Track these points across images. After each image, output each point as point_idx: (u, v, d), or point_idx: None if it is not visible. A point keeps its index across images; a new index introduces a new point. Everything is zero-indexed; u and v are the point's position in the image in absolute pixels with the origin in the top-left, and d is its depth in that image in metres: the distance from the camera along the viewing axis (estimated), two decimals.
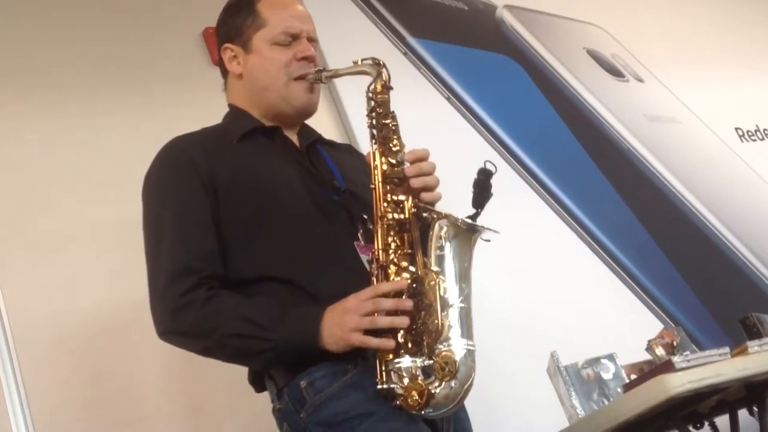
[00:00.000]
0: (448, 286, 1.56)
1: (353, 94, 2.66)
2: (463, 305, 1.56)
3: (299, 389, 1.58)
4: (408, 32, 3.23)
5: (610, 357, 2.23)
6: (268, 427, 1.69)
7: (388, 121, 1.70)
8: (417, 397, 1.50)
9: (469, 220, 1.59)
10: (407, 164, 1.66)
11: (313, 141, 1.86)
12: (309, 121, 1.89)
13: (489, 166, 1.60)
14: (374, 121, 1.71)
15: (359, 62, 1.77)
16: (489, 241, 1.60)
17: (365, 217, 1.69)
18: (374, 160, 1.67)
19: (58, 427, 2.18)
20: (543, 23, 3.61)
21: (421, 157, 1.67)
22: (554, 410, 2.19)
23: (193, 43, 2.83)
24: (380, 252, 1.60)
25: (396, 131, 1.69)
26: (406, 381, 1.52)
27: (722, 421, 2.11)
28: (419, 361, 1.53)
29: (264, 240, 1.66)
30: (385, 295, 1.55)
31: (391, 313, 1.54)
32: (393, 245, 1.61)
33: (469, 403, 1.60)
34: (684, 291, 3.22)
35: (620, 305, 3.09)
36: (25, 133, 2.47)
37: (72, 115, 2.55)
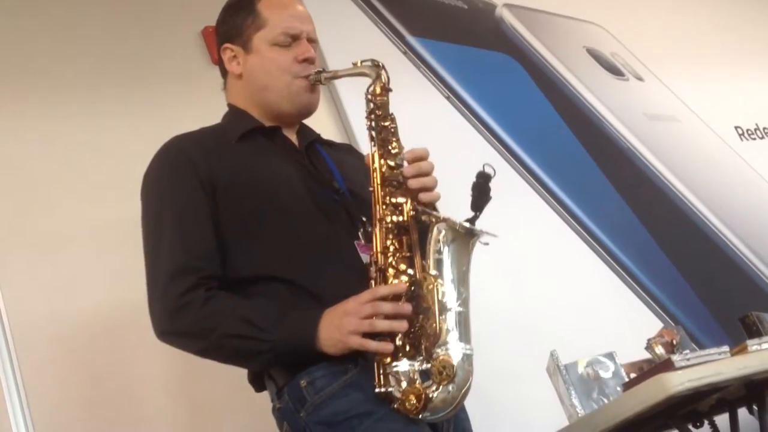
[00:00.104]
0: (447, 289, 1.56)
1: (353, 93, 2.66)
2: (461, 309, 1.56)
3: (299, 388, 1.58)
4: (407, 31, 3.23)
5: (610, 356, 2.23)
6: (268, 427, 1.69)
7: (387, 124, 1.70)
8: (414, 401, 1.50)
9: (468, 224, 1.58)
10: (406, 164, 1.66)
11: (312, 141, 1.86)
12: (309, 121, 1.89)
13: (488, 170, 1.60)
14: (373, 123, 1.71)
15: (358, 64, 1.77)
16: (487, 244, 1.60)
17: (364, 219, 1.69)
18: (373, 162, 1.67)
19: (58, 427, 2.18)
20: (542, 22, 3.61)
21: (420, 157, 1.67)
22: (554, 409, 2.19)
23: (193, 42, 2.83)
24: (379, 255, 1.60)
25: (395, 133, 1.70)
26: (403, 385, 1.52)
27: (722, 419, 2.11)
28: (417, 365, 1.53)
29: (264, 239, 1.66)
30: (384, 299, 1.55)
31: (390, 317, 1.54)
32: (392, 248, 1.61)
33: (468, 403, 1.60)
34: (684, 290, 3.22)
35: (620, 304, 3.09)
36: (25, 133, 2.47)
37: (72, 115, 2.55)
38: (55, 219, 2.38)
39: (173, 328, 1.62)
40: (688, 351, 1.97)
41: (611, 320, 2.96)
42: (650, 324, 2.84)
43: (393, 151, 1.68)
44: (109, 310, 2.34)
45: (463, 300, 1.57)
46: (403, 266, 1.59)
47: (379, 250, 1.61)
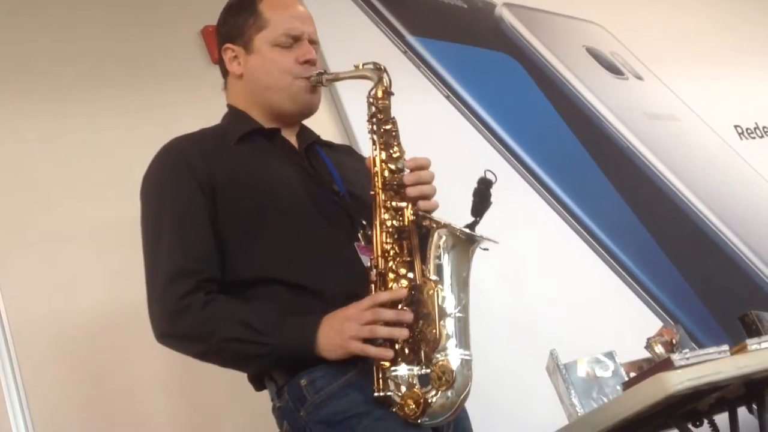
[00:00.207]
0: (447, 295, 1.56)
1: (353, 94, 2.67)
2: (460, 315, 1.56)
3: (299, 388, 1.58)
4: (407, 30, 3.23)
5: (610, 355, 2.23)
6: (268, 426, 1.69)
7: (388, 127, 1.70)
8: (413, 406, 1.51)
9: (468, 230, 1.59)
10: (407, 171, 1.66)
11: (312, 142, 1.86)
12: (309, 122, 1.89)
13: (489, 176, 1.60)
14: (375, 127, 1.71)
15: (360, 66, 1.76)
16: (487, 249, 1.61)
17: (365, 222, 1.69)
18: (374, 166, 1.67)
19: (58, 427, 2.18)
20: (542, 21, 3.61)
21: (421, 165, 1.67)
22: (554, 408, 2.19)
23: (192, 41, 2.83)
24: (379, 258, 1.60)
25: (396, 137, 1.69)
26: (402, 389, 1.52)
27: (721, 419, 2.11)
28: (416, 370, 1.54)
29: (263, 241, 1.66)
30: (383, 305, 1.55)
31: (390, 323, 1.54)
32: (392, 252, 1.61)
33: (468, 402, 1.60)
34: (683, 289, 3.22)
35: (619, 303, 3.09)
36: (25, 133, 2.48)
37: (71, 115, 2.56)
38: (55, 219, 2.39)
39: (172, 331, 1.62)
40: (687, 350, 1.97)
41: (611, 319, 2.96)
42: (650, 323, 2.84)
43: (394, 155, 1.68)
44: (109, 310, 2.34)
45: (463, 306, 1.57)
46: (403, 270, 1.60)
47: (379, 253, 1.61)
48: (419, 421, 1.52)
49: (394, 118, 1.71)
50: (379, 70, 1.74)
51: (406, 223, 1.63)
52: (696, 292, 3.23)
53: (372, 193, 1.66)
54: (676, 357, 1.82)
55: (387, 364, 1.54)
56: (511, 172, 3.15)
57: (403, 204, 1.64)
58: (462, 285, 1.59)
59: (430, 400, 1.52)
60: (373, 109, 1.72)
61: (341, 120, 2.91)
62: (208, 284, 1.63)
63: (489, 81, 3.32)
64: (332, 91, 2.87)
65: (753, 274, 3.41)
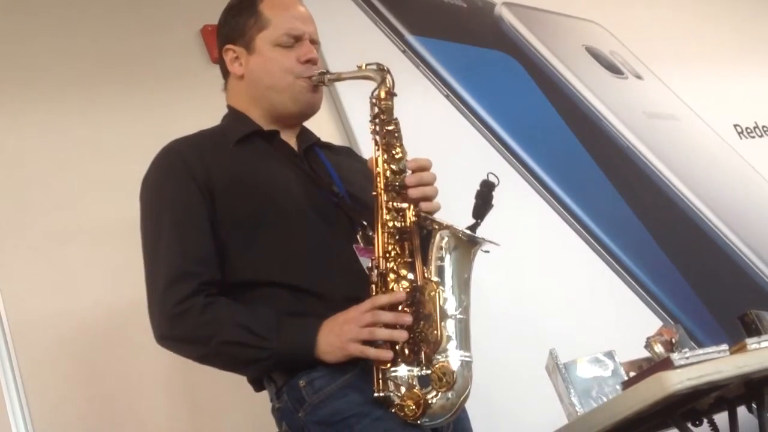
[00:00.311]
0: (448, 296, 1.57)
1: (354, 95, 2.67)
2: (461, 317, 1.56)
3: (298, 389, 1.59)
4: (407, 30, 3.23)
5: (609, 354, 2.23)
6: (267, 427, 1.70)
7: (391, 128, 1.69)
8: (414, 407, 1.51)
9: (470, 232, 1.59)
10: (409, 172, 1.66)
11: (311, 144, 1.86)
12: (309, 123, 1.89)
13: (492, 178, 1.60)
14: (377, 128, 1.70)
15: (363, 67, 1.75)
16: (488, 252, 1.61)
17: (365, 223, 1.69)
18: (376, 166, 1.67)
19: (58, 426, 2.18)
20: (541, 20, 3.61)
21: (423, 167, 1.67)
22: (553, 408, 2.19)
23: (192, 40, 2.83)
24: (380, 259, 1.60)
25: (399, 138, 1.69)
26: (402, 390, 1.53)
27: (721, 418, 2.11)
28: (416, 371, 1.54)
29: (262, 243, 1.66)
30: (383, 307, 1.55)
31: (389, 326, 1.54)
32: (393, 253, 1.61)
33: (468, 401, 1.60)
34: (682, 288, 3.22)
35: (619, 302, 3.09)
36: (24, 131, 2.47)
37: (71, 113, 2.56)
38: (55, 219, 2.38)
39: (172, 334, 1.63)
40: (687, 349, 1.97)
41: (610, 319, 2.96)
42: (649, 322, 2.84)
43: (396, 156, 1.68)
44: (109, 310, 2.34)
45: (464, 308, 1.57)
46: (404, 272, 1.60)
47: (380, 254, 1.61)
48: (419, 422, 1.52)
49: (396, 119, 1.71)
50: (382, 70, 1.73)
51: (407, 224, 1.63)
52: (695, 291, 3.23)
53: (374, 193, 1.66)
54: (675, 356, 1.82)
55: (387, 365, 1.54)
56: (511, 171, 3.15)
57: (405, 205, 1.64)
58: (463, 286, 1.59)
59: (430, 401, 1.52)
60: (376, 109, 1.71)
61: (341, 120, 2.91)
62: (208, 287, 1.63)
63: (488, 80, 3.32)
64: (332, 92, 2.87)
65: (753, 274, 3.41)
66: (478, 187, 1.61)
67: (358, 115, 2.75)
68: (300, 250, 1.66)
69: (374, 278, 1.60)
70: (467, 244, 1.60)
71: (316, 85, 1.80)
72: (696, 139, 3.68)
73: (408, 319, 1.55)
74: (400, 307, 1.57)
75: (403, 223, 1.63)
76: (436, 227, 1.60)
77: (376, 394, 1.53)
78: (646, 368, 2.08)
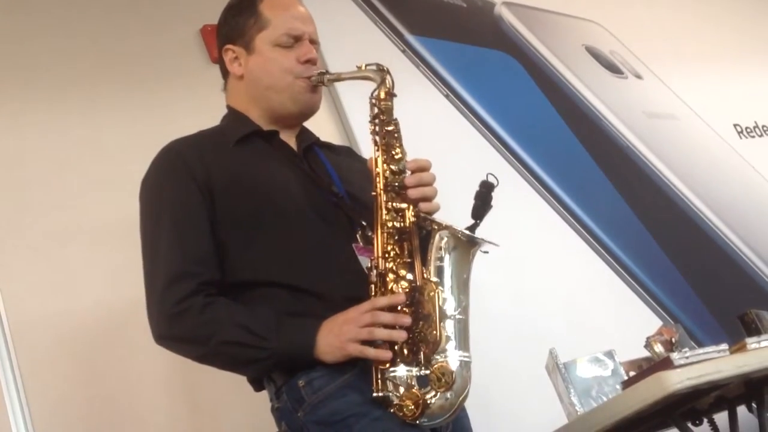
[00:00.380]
0: (447, 297, 1.57)
1: (353, 95, 2.67)
2: (460, 317, 1.56)
3: (297, 388, 1.59)
4: (406, 29, 3.23)
5: (609, 354, 2.23)
6: (267, 426, 1.70)
7: (391, 128, 1.69)
8: (412, 407, 1.51)
9: (469, 233, 1.59)
10: (408, 173, 1.66)
11: (311, 144, 1.86)
12: (309, 122, 1.89)
13: (491, 179, 1.60)
14: (377, 128, 1.70)
15: (363, 67, 1.75)
16: (487, 252, 1.61)
17: (364, 223, 1.70)
18: (376, 166, 1.67)
19: (58, 426, 2.18)
20: (541, 20, 3.61)
21: (422, 167, 1.67)
22: (553, 407, 2.19)
23: (192, 40, 2.83)
24: (380, 259, 1.60)
25: (398, 139, 1.69)
26: (401, 390, 1.53)
27: (721, 417, 2.11)
28: (415, 371, 1.54)
29: (262, 243, 1.66)
30: (382, 308, 1.55)
31: (389, 326, 1.54)
32: (392, 253, 1.61)
33: (468, 401, 1.60)
34: (682, 287, 3.22)
35: (619, 302, 3.09)
36: (24, 131, 2.48)
37: (71, 113, 2.56)
38: (55, 218, 2.38)
39: (171, 334, 1.62)
40: (687, 349, 1.97)
41: (610, 318, 2.96)
42: (649, 322, 2.84)
43: (396, 156, 1.68)
44: (109, 310, 2.34)
45: (463, 308, 1.57)
46: (403, 272, 1.60)
47: (380, 254, 1.61)
48: (418, 422, 1.52)
49: (396, 119, 1.71)
50: (382, 71, 1.73)
51: (407, 224, 1.63)
52: (695, 290, 3.23)
53: (373, 194, 1.66)
54: (675, 356, 1.82)
55: (386, 365, 1.54)
56: (510, 171, 3.15)
57: (404, 205, 1.64)
58: (462, 287, 1.59)
59: (429, 401, 1.52)
60: (376, 110, 1.71)
61: (341, 120, 2.91)
62: (207, 286, 1.63)
63: (488, 80, 3.32)
64: (332, 92, 2.87)
65: (752, 273, 3.41)
66: (478, 188, 1.61)
67: (358, 115, 2.75)
68: (299, 250, 1.66)
69: (373, 278, 1.60)
70: (466, 245, 1.60)
71: (315, 85, 1.80)
72: (696, 138, 3.69)
73: (407, 319, 1.55)
74: (399, 308, 1.57)
75: (402, 224, 1.63)
76: (436, 227, 1.60)
77: (375, 394, 1.53)
78: (646, 368, 2.08)
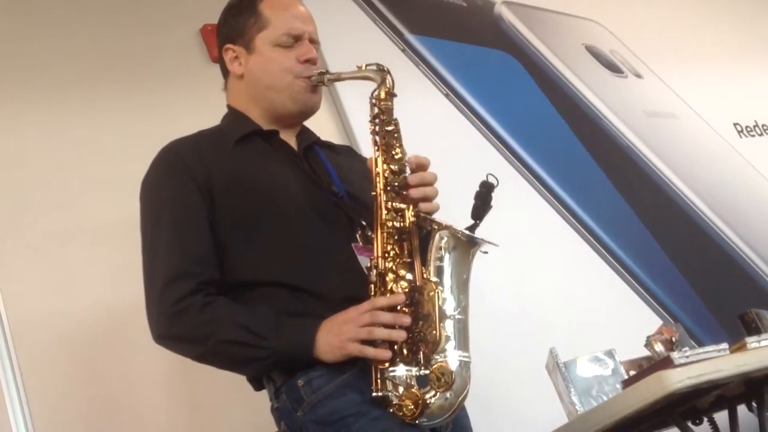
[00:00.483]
0: (447, 297, 1.57)
1: (353, 94, 2.67)
2: (460, 317, 1.57)
3: (297, 388, 1.59)
4: (406, 29, 3.23)
5: (609, 353, 2.23)
6: (267, 426, 1.70)
7: (390, 128, 1.70)
8: (412, 407, 1.51)
9: (470, 233, 1.59)
10: (408, 171, 1.66)
11: (311, 143, 1.86)
12: (309, 122, 1.89)
13: (491, 180, 1.60)
14: (377, 128, 1.71)
15: (363, 67, 1.75)
16: (487, 252, 1.61)
17: (364, 223, 1.70)
18: (376, 166, 1.67)
19: (58, 426, 2.18)
20: (541, 19, 3.61)
21: (423, 165, 1.67)
22: (553, 406, 2.19)
23: (192, 40, 2.83)
24: (379, 259, 1.60)
25: (398, 139, 1.69)
26: (400, 390, 1.53)
27: (721, 417, 2.11)
28: (414, 371, 1.54)
29: (262, 243, 1.66)
30: (382, 308, 1.55)
31: (388, 326, 1.54)
32: (392, 253, 1.61)
33: (468, 400, 1.60)
34: (682, 287, 3.22)
35: (619, 301, 3.09)
36: (24, 131, 2.47)
37: (71, 113, 2.56)
38: (55, 218, 2.38)
39: (170, 333, 1.63)
40: (687, 348, 1.97)
41: (610, 317, 2.96)
42: (649, 321, 2.84)
43: (396, 157, 1.68)
44: (109, 310, 2.34)
45: (463, 308, 1.58)
46: (403, 272, 1.60)
47: (379, 254, 1.61)
48: (417, 421, 1.52)
49: (396, 119, 1.71)
50: (382, 71, 1.74)
51: (406, 224, 1.64)
52: (695, 289, 3.23)
53: (373, 194, 1.66)
54: (675, 355, 1.82)
55: (386, 364, 1.54)
56: (510, 170, 3.15)
57: (404, 205, 1.64)
58: (462, 287, 1.59)
59: (428, 401, 1.52)
60: (376, 110, 1.71)
61: (341, 120, 2.91)
62: (206, 286, 1.63)
63: (488, 79, 3.32)
64: (332, 91, 2.87)
65: (752, 272, 3.41)
66: (478, 188, 1.61)
67: (358, 114, 2.75)
68: (299, 250, 1.66)
69: (373, 278, 1.60)
70: (466, 245, 1.60)
71: (315, 85, 1.80)
72: (696, 137, 3.69)
73: (407, 319, 1.55)
74: (399, 308, 1.57)
75: (402, 224, 1.64)
76: (436, 227, 1.61)
77: (374, 394, 1.53)
78: (646, 367, 2.08)
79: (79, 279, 2.34)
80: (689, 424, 1.96)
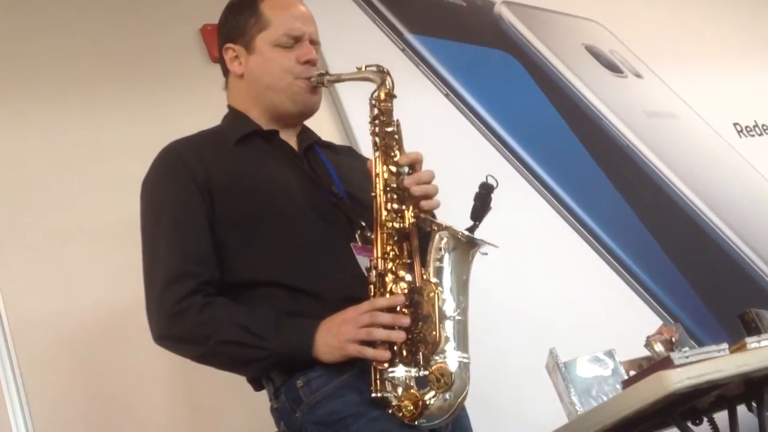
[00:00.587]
0: (446, 297, 1.57)
1: (354, 95, 2.67)
2: (460, 318, 1.57)
3: (295, 389, 1.59)
4: (406, 28, 3.23)
5: (609, 353, 2.23)
6: (267, 426, 1.70)
7: (390, 129, 1.70)
8: (412, 408, 1.51)
9: (470, 234, 1.59)
10: (406, 169, 1.66)
11: (312, 143, 1.86)
12: (309, 123, 1.89)
13: (491, 181, 1.60)
14: (377, 129, 1.71)
15: (363, 68, 1.75)
16: (486, 254, 1.61)
17: (363, 224, 1.70)
18: (376, 167, 1.67)
19: (58, 426, 2.18)
20: (541, 19, 3.61)
21: (414, 160, 1.67)
22: (553, 407, 2.19)
23: (192, 40, 2.83)
24: (379, 260, 1.60)
25: (398, 140, 1.69)
26: (399, 390, 1.53)
27: (721, 417, 2.11)
28: (413, 372, 1.54)
29: (261, 243, 1.66)
30: (381, 309, 1.55)
31: (387, 327, 1.54)
32: (392, 254, 1.61)
33: (468, 400, 1.60)
34: (682, 287, 3.22)
35: (619, 301, 3.09)
36: (24, 131, 2.48)
37: (71, 113, 2.56)
38: (55, 218, 2.38)
39: (170, 333, 1.63)
40: (687, 348, 1.97)
41: (610, 317, 2.96)
42: (649, 321, 2.84)
43: (396, 158, 1.68)
44: (109, 310, 2.34)
45: (462, 309, 1.58)
46: (402, 273, 1.60)
47: (379, 255, 1.61)
48: (416, 422, 1.52)
49: (396, 120, 1.71)
50: (382, 72, 1.74)
51: (406, 225, 1.63)
52: (695, 289, 3.23)
53: (373, 194, 1.66)
54: (675, 355, 1.82)
55: (385, 365, 1.54)
56: (510, 170, 3.15)
57: (404, 206, 1.64)
58: (462, 288, 1.59)
59: (428, 402, 1.52)
60: (376, 111, 1.72)
61: (341, 120, 2.91)
62: (206, 286, 1.63)
63: (488, 79, 3.32)
64: (332, 92, 2.87)
65: (752, 272, 3.41)
66: (477, 189, 1.61)
67: (358, 114, 2.75)
68: (299, 251, 1.66)
69: (373, 279, 1.60)
70: (466, 246, 1.60)
71: (315, 86, 1.80)
72: (696, 137, 3.69)
73: (406, 320, 1.55)
74: (398, 309, 1.57)
75: (402, 224, 1.63)
76: (435, 228, 1.60)
77: (373, 395, 1.53)
78: (646, 367, 2.08)
79: (79, 279, 2.34)
80: (689, 424, 1.96)
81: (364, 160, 1.83)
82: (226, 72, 1.89)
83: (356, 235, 1.70)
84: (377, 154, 1.69)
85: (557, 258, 3.06)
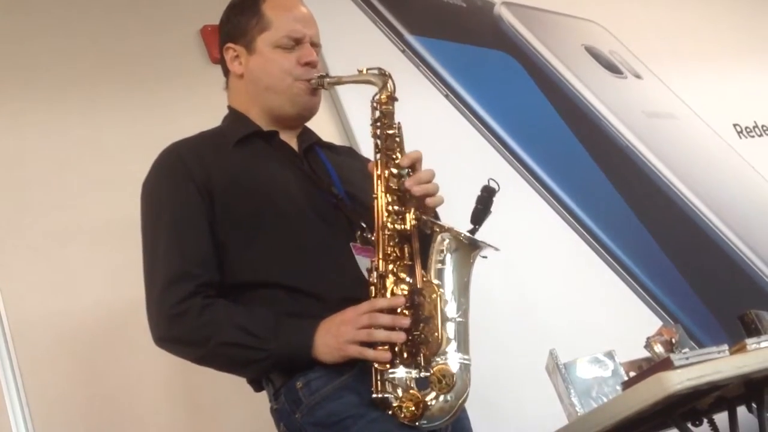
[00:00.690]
0: (448, 299, 1.57)
1: (354, 97, 2.67)
2: (461, 320, 1.57)
3: (295, 390, 1.59)
4: (406, 29, 3.23)
5: (609, 354, 2.22)
6: (267, 426, 1.69)
7: (392, 132, 1.70)
8: (413, 408, 1.51)
9: (471, 235, 1.59)
10: (408, 171, 1.66)
11: (312, 144, 1.86)
12: (309, 124, 1.89)
13: (492, 184, 1.60)
14: (378, 131, 1.71)
15: (364, 71, 1.76)
16: (486, 257, 1.61)
17: (364, 225, 1.70)
18: (377, 170, 1.67)
19: (58, 426, 2.18)
20: (541, 20, 3.61)
21: (414, 159, 1.67)
22: (553, 408, 2.19)
23: (192, 40, 2.83)
24: (380, 261, 1.60)
25: (399, 143, 1.70)
26: (400, 391, 1.53)
27: (721, 418, 2.11)
28: (414, 373, 1.54)
29: (261, 244, 1.66)
30: (381, 310, 1.55)
31: (387, 328, 1.54)
32: (393, 256, 1.61)
33: (468, 401, 1.61)
34: (682, 288, 3.22)
35: (619, 302, 3.09)
36: (24, 131, 2.47)
37: (71, 113, 2.56)
38: (55, 218, 2.38)
39: (170, 335, 1.63)
40: (687, 349, 1.97)
41: (610, 318, 2.96)
42: (649, 322, 2.84)
43: (397, 160, 1.68)
44: (109, 310, 2.34)
45: (463, 311, 1.58)
46: (403, 274, 1.60)
47: (380, 257, 1.61)
48: (417, 423, 1.52)
49: (398, 123, 1.71)
50: (383, 75, 1.74)
51: (407, 227, 1.64)
52: (695, 291, 3.23)
53: (374, 196, 1.66)
54: (675, 356, 1.81)
55: (386, 366, 1.54)
56: (510, 170, 3.15)
57: (405, 208, 1.64)
58: (463, 289, 1.59)
59: (429, 403, 1.52)
60: (377, 113, 1.72)
61: (341, 121, 2.91)
62: (206, 288, 1.63)
63: (488, 80, 3.32)
64: (333, 93, 2.87)
65: (752, 273, 3.41)
66: (479, 192, 1.61)
67: (358, 115, 2.75)
68: (299, 252, 1.66)
69: (373, 280, 1.60)
70: (467, 248, 1.60)
71: (315, 88, 1.80)
72: (695, 138, 3.69)
73: (405, 321, 1.55)
74: (399, 310, 1.57)
75: (403, 226, 1.64)
76: (437, 229, 1.61)
77: (374, 395, 1.53)
78: (646, 368, 2.08)
79: (79, 279, 2.34)
80: (689, 425, 1.96)
81: (364, 161, 1.83)
82: (226, 72, 1.89)
83: (356, 236, 1.70)
84: (378, 156, 1.69)
85: (557, 259, 3.07)
